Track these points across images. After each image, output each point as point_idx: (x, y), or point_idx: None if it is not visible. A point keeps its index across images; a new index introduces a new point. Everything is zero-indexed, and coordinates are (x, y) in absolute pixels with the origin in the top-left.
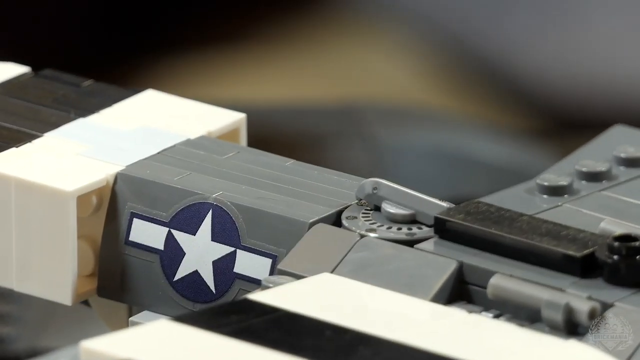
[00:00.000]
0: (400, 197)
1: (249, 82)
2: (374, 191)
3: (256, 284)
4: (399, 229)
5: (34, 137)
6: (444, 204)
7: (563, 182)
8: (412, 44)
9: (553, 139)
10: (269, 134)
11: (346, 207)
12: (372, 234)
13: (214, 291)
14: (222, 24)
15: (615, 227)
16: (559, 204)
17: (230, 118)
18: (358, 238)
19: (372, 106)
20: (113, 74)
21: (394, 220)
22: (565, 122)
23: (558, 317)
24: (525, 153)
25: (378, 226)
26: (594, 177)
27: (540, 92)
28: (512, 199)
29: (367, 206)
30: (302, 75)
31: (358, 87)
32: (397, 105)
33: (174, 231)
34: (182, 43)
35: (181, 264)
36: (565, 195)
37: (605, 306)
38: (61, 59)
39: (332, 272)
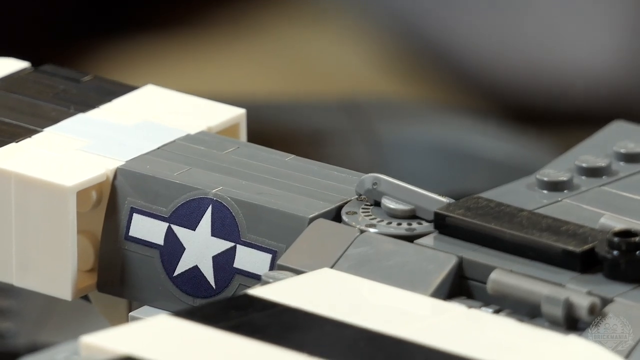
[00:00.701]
0: (400, 192)
1: (191, 70)
2: (374, 186)
3: (256, 279)
4: (399, 224)
5: (34, 132)
6: (444, 200)
7: (563, 177)
8: (361, 29)
9: (499, 121)
10: (268, 129)
11: (346, 203)
12: (372, 230)
13: (214, 286)
14: (169, 9)
15: (615, 222)
16: (559, 199)
17: (230, 113)
18: (358, 233)
19: (372, 101)
20: (68, 58)
21: (394, 215)
22: (509, 105)
23: (558, 312)
24: (525, 148)
25: (378, 221)
26: (593, 172)
27: (485, 75)
28: (512, 194)
29: (367, 201)
30: (251, 65)
31: (307, 74)
32: (347, 92)
33: (173, 226)
34: (129, 28)
35: (181, 259)
36: (565, 191)
37: (605, 301)
38: (14, 45)
39: (332, 267)
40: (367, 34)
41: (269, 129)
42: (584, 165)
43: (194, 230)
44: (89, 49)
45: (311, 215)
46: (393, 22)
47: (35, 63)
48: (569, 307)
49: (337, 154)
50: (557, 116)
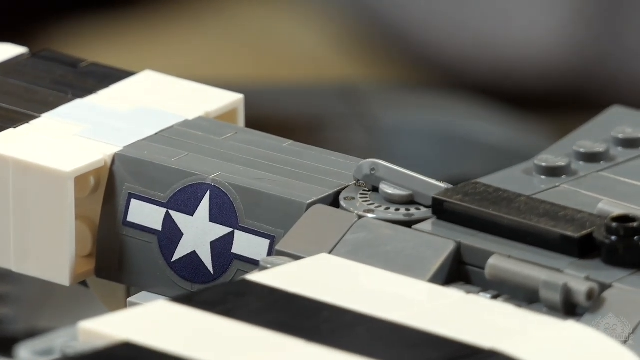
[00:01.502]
0: (398, 177)
1: (140, 50)
2: (372, 172)
3: (254, 264)
4: (397, 209)
5: (32, 117)
6: (442, 185)
7: (561, 162)
8: (321, 11)
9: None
10: (266, 114)
11: (344, 188)
12: (370, 215)
13: (212, 272)
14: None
15: (613, 207)
16: (557, 184)
17: (228, 99)
18: (356, 219)
19: (371, 87)
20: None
21: (392, 201)
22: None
23: (556, 297)
24: (523, 133)
25: (376, 207)
26: (591, 157)
27: (438, 53)
28: (510, 179)
29: (365, 187)
30: (214, 47)
31: (268, 55)
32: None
33: (171, 212)
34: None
35: (179, 245)
36: (563, 176)
37: (603, 287)
38: None
39: (330, 252)
40: (331, 18)
41: (267, 114)
42: (582, 150)
43: (192, 215)
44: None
45: (309, 201)
46: (361, 7)
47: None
48: (567, 293)
49: (335, 139)
50: (516, 92)
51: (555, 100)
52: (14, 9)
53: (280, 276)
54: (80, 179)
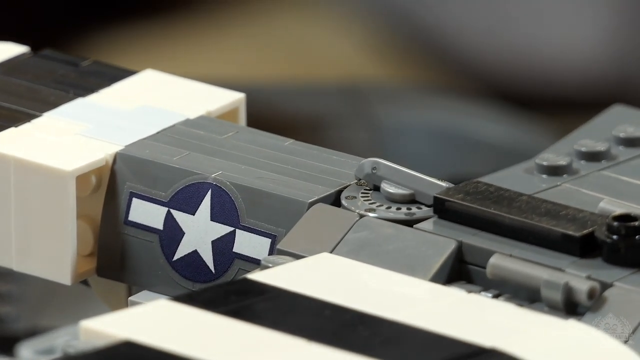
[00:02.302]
0: (400, 177)
1: (183, 56)
2: (373, 171)
3: (255, 263)
4: (398, 208)
5: (33, 116)
6: (443, 184)
7: (562, 161)
8: (355, 17)
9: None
10: (268, 113)
11: (345, 187)
12: (371, 214)
13: (213, 271)
14: None
15: (615, 206)
16: (558, 183)
17: (229, 98)
18: (357, 218)
19: (371, 86)
20: (65, 44)
21: (393, 200)
22: (508, 90)
23: (557, 296)
24: (525, 133)
25: (377, 206)
26: (593, 156)
27: (474, 60)
28: (511, 178)
29: (366, 186)
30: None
31: (302, 60)
32: (343, 77)
33: (173, 211)
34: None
35: (180, 244)
36: (565, 175)
37: (605, 286)
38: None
39: (331, 252)
40: (362, 20)
41: (269, 113)
42: (583, 149)
43: (194, 214)
44: (86, 34)
45: (310, 200)
46: (386, 9)
47: (33, 48)
48: (569, 292)
49: (336, 138)
50: (555, 101)
51: (593, 109)
52: (53, 18)
53: (282, 275)
54: (81, 178)
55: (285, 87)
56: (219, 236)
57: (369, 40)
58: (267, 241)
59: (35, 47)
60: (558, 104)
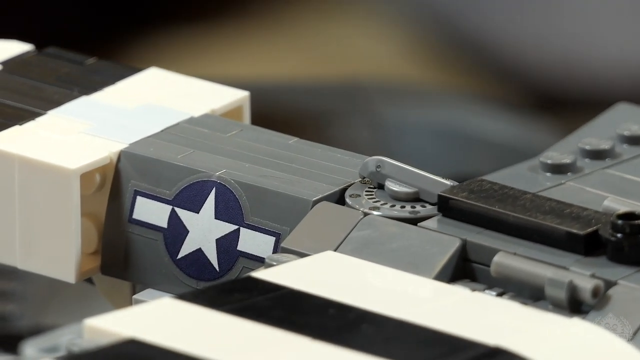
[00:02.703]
0: (404, 175)
1: (239, 59)
2: (378, 169)
3: (260, 262)
4: (403, 207)
5: (37, 115)
6: (448, 182)
7: (566, 160)
8: (399, 21)
9: (533, 112)
10: (272, 111)
11: (350, 185)
12: (375, 212)
13: (218, 269)
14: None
15: (619, 205)
16: (563, 182)
17: (233, 96)
18: (361, 216)
19: (376, 84)
20: (103, 50)
21: (398, 198)
22: (544, 97)
23: (561, 295)
24: (528, 131)
25: (381, 204)
26: (597, 155)
27: (521, 67)
28: (515, 177)
29: (370, 184)
30: (291, 53)
31: (348, 63)
32: (389, 81)
33: (177, 209)
34: (171, 19)
35: (184, 242)
36: (569, 173)
37: (609, 284)
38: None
39: (335, 250)
40: (406, 28)
41: (273, 111)
42: (587, 147)
43: (198, 213)
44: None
45: (315, 198)
46: (438, 18)
47: (38, 46)
48: (573, 290)
49: (340, 136)
50: (563, 100)
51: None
52: (102, 24)
53: (286, 273)
54: (85, 176)
55: (290, 85)
56: (223, 234)
57: (412, 47)
58: (271, 239)
59: (40, 46)
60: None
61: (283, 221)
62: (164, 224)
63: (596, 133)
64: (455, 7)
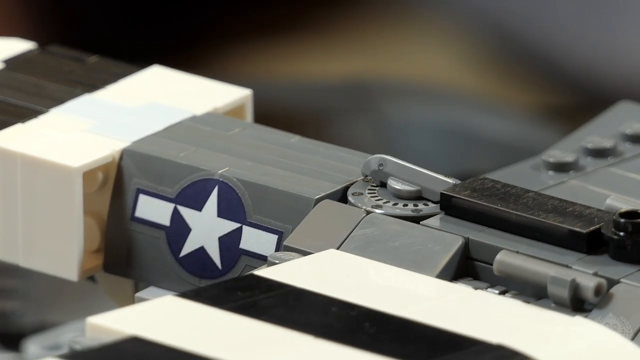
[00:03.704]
0: (406, 173)
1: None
2: (380, 167)
3: (262, 260)
4: (405, 205)
5: (40, 113)
6: (450, 181)
7: (569, 158)
8: (447, 30)
9: (574, 117)
10: (275, 110)
11: (352, 184)
12: (378, 211)
13: (220, 267)
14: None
15: (621, 203)
16: (565, 180)
17: (236, 94)
18: (364, 214)
19: (379, 83)
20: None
21: (400, 196)
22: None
23: (564, 293)
24: (531, 129)
25: (384, 202)
26: (600, 153)
27: (581, 76)
28: (518, 175)
29: (373, 182)
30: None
31: (387, 69)
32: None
33: (179, 207)
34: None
35: (187, 240)
36: (571, 172)
37: (611, 283)
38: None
39: (338, 248)
40: (453, 36)
41: (275, 109)
42: (590, 146)
43: (200, 211)
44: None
45: (317, 196)
46: (479, 21)
47: (40, 44)
48: (575, 288)
49: (343, 135)
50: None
51: None
52: (181, 34)
53: (288, 271)
54: (88, 175)
55: (291, 84)
56: (225, 232)
57: (459, 53)
58: (273, 237)
59: (42, 44)
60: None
61: (285, 219)
62: (167, 222)
63: (599, 131)
64: (512, 17)
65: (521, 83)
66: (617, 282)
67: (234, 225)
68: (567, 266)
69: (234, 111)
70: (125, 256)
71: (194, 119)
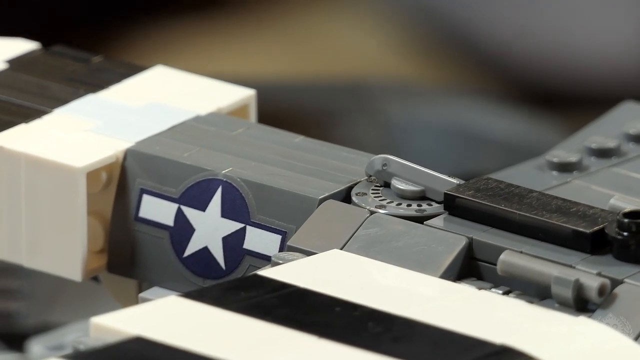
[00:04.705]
0: (410, 173)
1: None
2: (384, 167)
3: (266, 260)
4: (409, 205)
5: (44, 113)
6: (454, 181)
7: (573, 158)
8: (383, 14)
9: (517, 104)
10: (278, 110)
11: (356, 184)
12: (381, 211)
13: (224, 267)
14: None
15: (625, 203)
16: (569, 180)
17: (240, 94)
18: (368, 214)
19: (382, 82)
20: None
21: (404, 196)
22: (519, 86)
23: (568, 293)
24: (535, 129)
25: (388, 202)
26: (603, 153)
27: (504, 59)
28: (521, 175)
29: (376, 182)
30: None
31: (328, 58)
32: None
33: (183, 207)
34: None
35: (191, 240)
36: (575, 172)
37: (615, 283)
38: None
39: (341, 248)
40: (382, 17)
41: (279, 109)
42: (593, 146)
43: (204, 211)
44: (99, 30)
45: (321, 197)
46: (408, 6)
47: (45, 44)
48: (579, 289)
49: (346, 135)
50: (569, 98)
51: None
52: (66, 14)
53: (292, 272)
54: (92, 175)
55: (295, 84)
56: (229, 232)
57: (391, 38)
58: (277, 237)
59: (47, 44)
60: (579, 100)
61: (289, 219)
62: (171, 222)
63: (602, 131)
64: (446, 2)
65: (461, 69)
66: (621, 282)
67: (238, 226)
68: (570, 266)
69: (238, 111)
70: (129, 256)
71: (197, 119)
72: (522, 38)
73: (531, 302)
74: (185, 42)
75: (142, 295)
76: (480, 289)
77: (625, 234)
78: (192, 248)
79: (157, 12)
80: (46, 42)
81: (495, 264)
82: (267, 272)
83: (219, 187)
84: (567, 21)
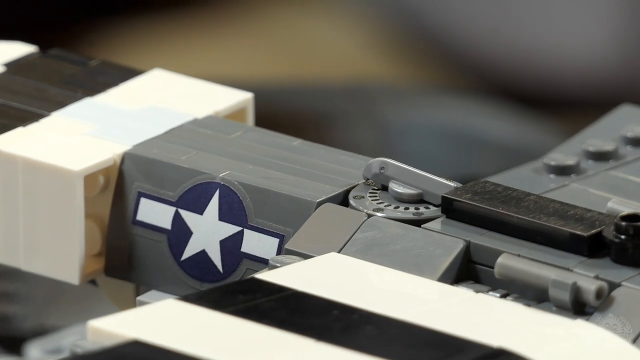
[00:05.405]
0: (408, 176)
1: (198, 53)
2: (381, 171)
3: (263, 263)
4: (406, 208)
5: (41, 116)
6: (452, 184)
7: (570, 161)
8: (360, 15)
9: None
10: (276, 113)
11: (353, 187)
12: (379, 214)
13: (222, 271)
14: None
15: (623, 206)
16: (566, 183)
17: (237, 98)
18: (365, 218)
19: (379, 86)
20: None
21: (401, 199)
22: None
23: (565, 296)
24: (532, 133)
25: (385, 206)
26: (601, 156)
27: (482, 60)
28: (519, 178)
29: (374, 186)
30: (255, 49)
31: (305, 59)
32: (347, 76)
33: (181, 211)
34: (135, 10)
35: (188, 244)
36: (573, 175)
37: (612, 286)
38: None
39: (339, 251)
40: (369, 20)
41: (276, 113)
42: (591, 149)
43: (202, 214)
44: (95, 32)
45: (319, 200)
46: (394, 8)
47: (42, 46)
48: (577, 292)
49: (344, 138)
50: (562, 100)
51: (602, 109)
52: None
53: (290, 275)
54: (89, 178)
55: (292, 87)
56: (227, 236)
57: (377, 40)
58: (275, 241)
59: (43, 47)
60: (565, 103)
61: (287, 223)
62: (168, 226)
63: (600, 135)
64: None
65: (422, 64)
66: (618, 285)
67: (235, 229)
68: (568, 269)
69: (235, 114)
70: (127, 260)
71: (195, 122)
72: (521, 39)
73: (529, 305)
74: (182, 46)
75: (139, 298)
76: (477, 292)
77: (622, 237)
78: (189, 251)
79: (154, 15)
80: (44, 46)
81: (492, 267)
82: (265, 275)
83: (216, 190)
84: (567, 22)
